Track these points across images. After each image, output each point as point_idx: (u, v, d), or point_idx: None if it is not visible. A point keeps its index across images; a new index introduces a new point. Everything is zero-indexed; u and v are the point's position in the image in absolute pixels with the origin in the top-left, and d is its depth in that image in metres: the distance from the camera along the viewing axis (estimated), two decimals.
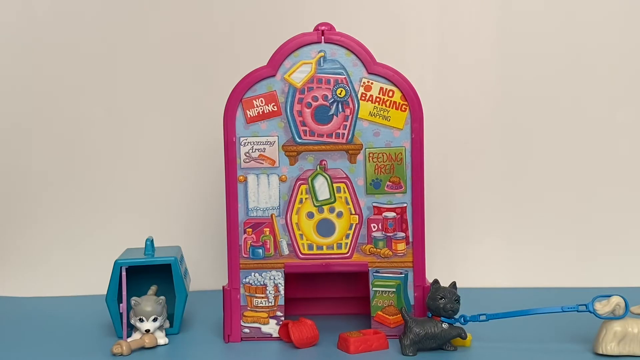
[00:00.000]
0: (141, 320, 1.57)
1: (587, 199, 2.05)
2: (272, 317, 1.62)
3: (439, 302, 1.51)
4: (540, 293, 1.93)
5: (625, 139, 2.05)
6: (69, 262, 2.06)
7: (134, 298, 1.58)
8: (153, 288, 1.66)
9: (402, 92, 1.58)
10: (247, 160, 1.60)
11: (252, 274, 1.62)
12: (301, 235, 1.61)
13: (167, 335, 1.62)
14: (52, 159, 2.08)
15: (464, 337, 1.52)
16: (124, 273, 1.60)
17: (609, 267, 2.01)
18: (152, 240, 1.69)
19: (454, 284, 1.54)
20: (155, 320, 1.58)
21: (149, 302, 1.58)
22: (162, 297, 1.60)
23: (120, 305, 1.60)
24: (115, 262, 1.62)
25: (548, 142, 2.05)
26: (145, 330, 1.57)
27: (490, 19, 2.04)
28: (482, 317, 1.53)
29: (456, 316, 1.53)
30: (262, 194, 1.61)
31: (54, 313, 1.86)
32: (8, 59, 2.06)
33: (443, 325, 1.51)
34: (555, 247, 2.04)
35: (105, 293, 1.63)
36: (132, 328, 1.60)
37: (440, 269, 1.94)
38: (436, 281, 1.54)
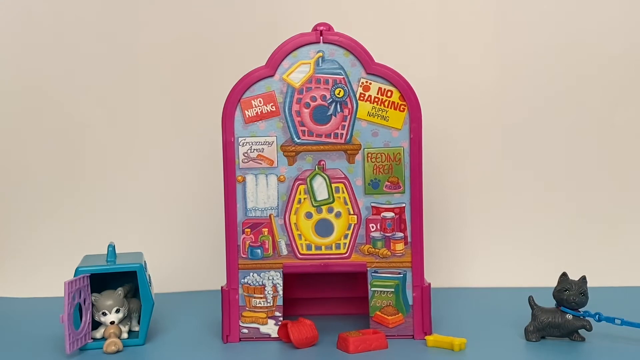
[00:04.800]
0: (104, 314, 1.57)
1: (587, 199, 2.05)
2: (270, 318, 1.61)
3: (564, 294, 1.55)
4: (540, 293, 1.93)
5: (625, 139, 2.05)
6: (68, 263, 2.05)
7: (93, 294, 1.56)
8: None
9: (400, 92, 1.58)
10: (246, 160, 1.60)
11: (251, 274, 1.62)
12: (300, 235, 1.61)
13: (130, 346, 1.59)
14: (51, 159, 2.08)
15: (589, 329, 1.55)
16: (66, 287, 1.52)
17: (609, 267, 2.01)
18: (114, 246, 1.63)
19: (583, 278, 1.57)
20: (118, 311, 1.57)
21: (109, 295, 1.57)
22: (120, 289, 1.58)
23: (61, 315, 1.51)
24: (77, 270, 1.56)
25: (548, 142, 2.05)
26: (110, 322, 1.56)
27: (489, 18, 2.04)
28: (617, 322, 1.55)
29: (581, 310, 1.55)
30: (261, 194, 1.61)
31: (54, 313, 1.86)
32: (8, 60, 2.06)
33: (567, 316, 1.55)
34: (555, 247, 2.04)
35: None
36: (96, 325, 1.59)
37: (439, 269, 1.94)
38: (564, 274, 1.57)
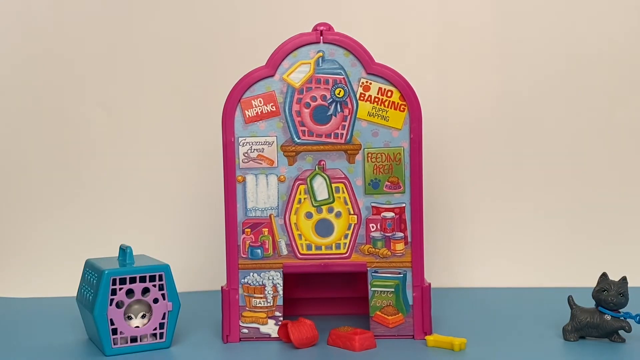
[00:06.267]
0: (129, 317, 1.55)
1: (588, 199, 2.05)
2: (270, 318, 1.61)
3: (602, 295, 1.53)
4: (540, 293, 1.93)
5: (626, 137, 2.05)
6: (68, 263, 2.03)
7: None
8: None
9: (400, 92, 1.58)
10: (246, 160, 1.60)
11: (251, 274, 1.62)
12: (300, 235, 1.61)
13: (159, 349, 1.57)
14: (52, 160, 2.08)
15: (628, 331, 1.53)
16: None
17: (609, 267, 2.00)
18: (132, 248, 1.62)
19: (623, 279, 1.55)
20: (144, 316, 1.56)
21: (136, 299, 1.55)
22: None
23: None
24: (104, 272, 1.53)
25: (548, 142, 2.05)
26: (135, 327, 1.54)
27: (489, 18, 2.04)
28: None
29: (622, 311, 1.54)
30: (261, 194, 1.61)
31: (54, 313, 1.86)
32: (10, 59, 2.06)
33: (606, 317, 1.53)
34: (556, 247, 2.04)
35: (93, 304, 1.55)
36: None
37: (439, 269, 1.94)
38: (604, 274, 1.56)
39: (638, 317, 1.54)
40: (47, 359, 1.53)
